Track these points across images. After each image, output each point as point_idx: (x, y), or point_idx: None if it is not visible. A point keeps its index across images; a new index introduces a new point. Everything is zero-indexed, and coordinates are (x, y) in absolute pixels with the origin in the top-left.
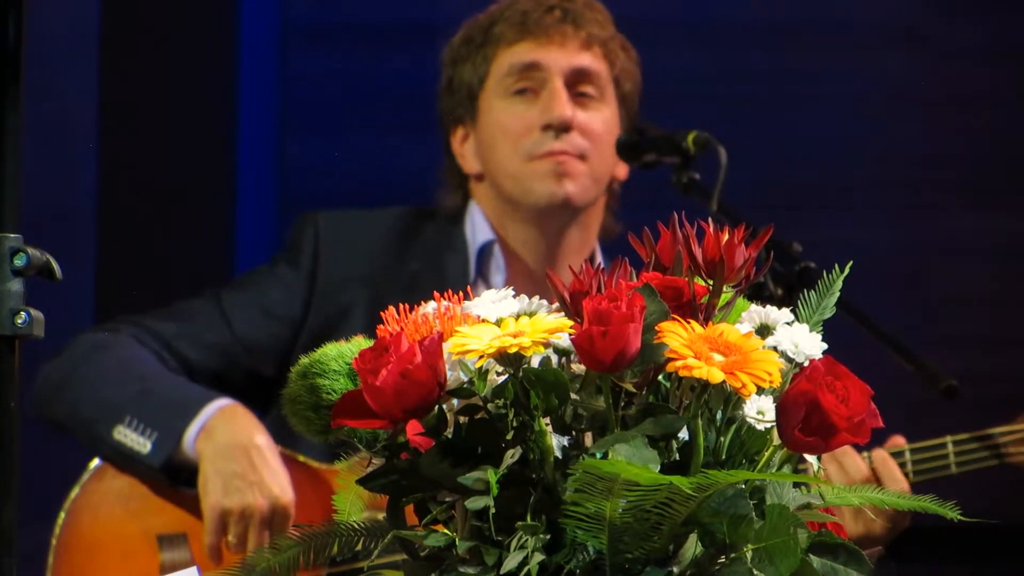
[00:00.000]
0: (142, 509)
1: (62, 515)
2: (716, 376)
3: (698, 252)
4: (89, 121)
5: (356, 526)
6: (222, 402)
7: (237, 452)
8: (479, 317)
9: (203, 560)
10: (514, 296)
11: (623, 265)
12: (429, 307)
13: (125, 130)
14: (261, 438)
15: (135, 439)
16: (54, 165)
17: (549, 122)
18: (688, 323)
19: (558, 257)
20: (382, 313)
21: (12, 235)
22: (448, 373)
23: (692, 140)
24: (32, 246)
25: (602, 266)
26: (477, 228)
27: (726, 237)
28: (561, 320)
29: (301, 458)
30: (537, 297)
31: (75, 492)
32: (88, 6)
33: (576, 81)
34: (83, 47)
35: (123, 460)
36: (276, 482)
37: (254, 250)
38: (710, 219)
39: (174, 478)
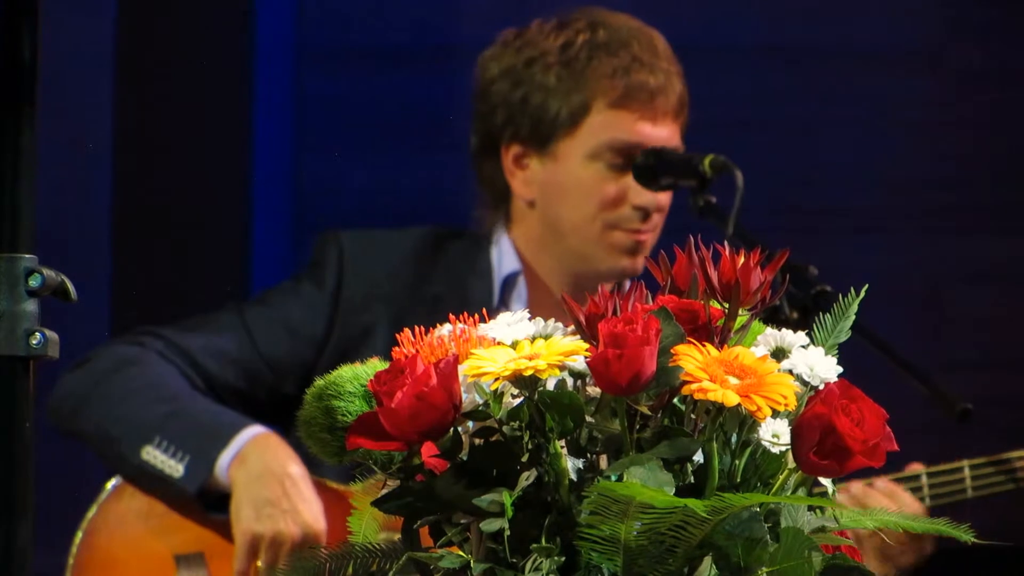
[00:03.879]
0: (159, 528)
1: (79, 534)
2: (731, 399)
3: (714, 275)
4: (104, 141)
5: (371, 547)
6: (256, 429)
7: (271, 479)
8: (495, 340)
9: None
10: (530, 319)
11: (639, 288)
12: (445, 329)
13: (140, 150)
14: (295, 467)
15: (165, 461)
16: (69, 185)
17: (643, 206)
18: (704, 346)
19: (584, 288)
20: (398, 335)
21: (27, 255)
22: (463, 395)
23: (709, 163)
24: (47, 267)
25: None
26: (504, 256)
27: (742, 260)
28: (576, 343)
29: (331, 484)
30: (553, 320)
31: (92, 511)
32: (103, 26)
33: None
34: (98, 67)
35: (149, 481)
36: (309, 510)
37: (269, 270)
38: (726, 242)
39: (204, 503)
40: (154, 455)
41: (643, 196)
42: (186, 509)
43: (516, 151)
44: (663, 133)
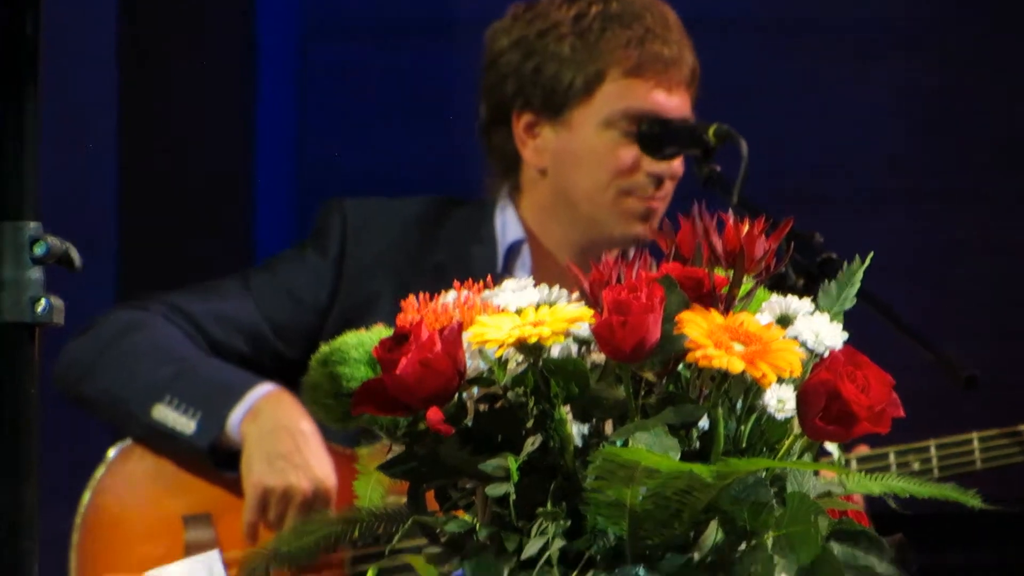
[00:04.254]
0: (168, 489)
1: (87, 494)
2: (736, 366)
3: (718, 243)
4: (109, 114)
5: (377, 511)
6: (268, 387)
7: (283, 434)
8: (500, 307)
9: (228, 540)
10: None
11: (643, 256)
12: (450, 296)
13: (145, 123)
14: (306, 424)
15: (176, 418)
16: (75, 156)
17: (658, 173)
18: (708, 313)
19: (590, 257)
20: (403, 302)
21: (32, 223)
22: (468, 362)
23: (713, 132)
24: (52, 235)
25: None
26: (508, 225)
27: (746, 228)
28: (581, 309)
29: (337, 448)
30: (557, 287)
31: (100, 472)
32: (106, 1)
33: None
34: (102, 42)
35: (160, 440)
36: (320, 466)
37: (273, 243)
38: (730, 211)
39: (215, 460)
40: (165, 413)
41: (657, 164)
42: (196, 468)
43: (528, 119)
44: (676, 102)
